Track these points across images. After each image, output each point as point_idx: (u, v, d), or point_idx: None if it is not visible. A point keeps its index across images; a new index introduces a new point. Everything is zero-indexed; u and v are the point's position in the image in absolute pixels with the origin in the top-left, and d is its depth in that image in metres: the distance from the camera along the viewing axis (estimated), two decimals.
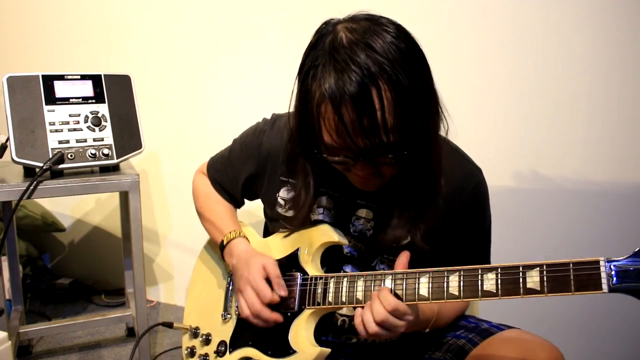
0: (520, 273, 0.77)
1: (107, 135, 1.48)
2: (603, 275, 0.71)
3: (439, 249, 1.00)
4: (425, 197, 0.90)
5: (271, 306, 0.96)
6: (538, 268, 0.76)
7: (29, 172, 1.47)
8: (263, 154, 1.08)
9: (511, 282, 0.77)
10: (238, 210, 1.25)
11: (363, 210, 1.01)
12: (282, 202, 1.07)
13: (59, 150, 1.40)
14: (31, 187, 1.37)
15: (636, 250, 0.71)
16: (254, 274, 0.99)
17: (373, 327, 0.83)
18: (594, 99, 1.48)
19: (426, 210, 0.91)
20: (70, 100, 1.45)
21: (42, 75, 1.43)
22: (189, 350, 1.15)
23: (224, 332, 1.09)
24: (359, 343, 1.07)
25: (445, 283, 0.82)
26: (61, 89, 1.45)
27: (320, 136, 0.83)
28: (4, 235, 1.53)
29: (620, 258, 0.71)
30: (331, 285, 0.94)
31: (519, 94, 1.56)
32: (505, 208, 1.59)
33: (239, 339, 1.05)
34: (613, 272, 0.70)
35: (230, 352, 1.06)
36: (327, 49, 0.80)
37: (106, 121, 1.48)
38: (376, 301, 0.84)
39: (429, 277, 0.84)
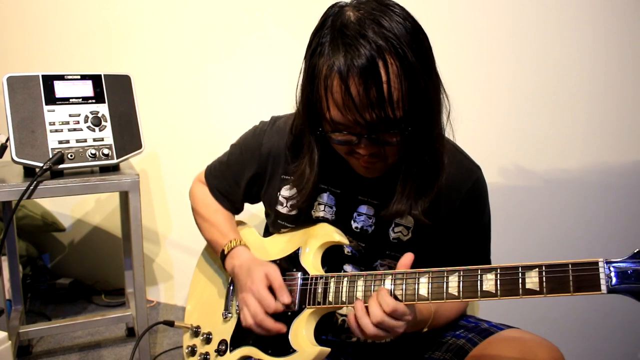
0: (520, 274, 0.77)
1: (107, 135, 1.48)
2: (602, 276, 0.71)
3: (439, 246, 1.00)
4: (428, 172, 0.90)
5: (274, 315, 0.96)
6: (537, 269, 0.76)
7: (29, 172, 1.47)
8: (264, 154, 1.08)
9: (510, 282, 0.77)
10: (240, 214, 1.25)
11: (365, 206, 1.01)
12: (283, 200, 1.07)
13: (59, 150, 1.40)
14: (31, 187, 1.37)
15: (635, 251, 0.71)
16: (256, 283, 0.98)
17: (370, 329, 0.83)
18: (595, 97, 1.49)
19: (429, 185, 0.91)
20: (70, 100, 1.45)
21: (42, 75, 1.43)
22: (189, 349, 1.15)
23: (225, 331, 1.09)
24: (358, 342, 1.07)
25: (444, 283, 0.82)
26: (61, 89, 1.45)
27: (326, 112, 0.83)
28: (4, 235, 1.53)
29: (619, 259, 0.71)
30: (331, 285, 0.94)
31: (520, 92, 1.56)
32: (505, 206, 1.59)
33: (239, 338, 1.05)
34: (612, 274, 0.70)
35: (230, 351, 1.06)
36: (336, 27, 0.81)
37: (106, 121, 1.48)
38: (374, 303, 0.84)
39: (429, 278, 0.84)
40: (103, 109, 1.49)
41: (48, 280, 2.20)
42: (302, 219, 1.05)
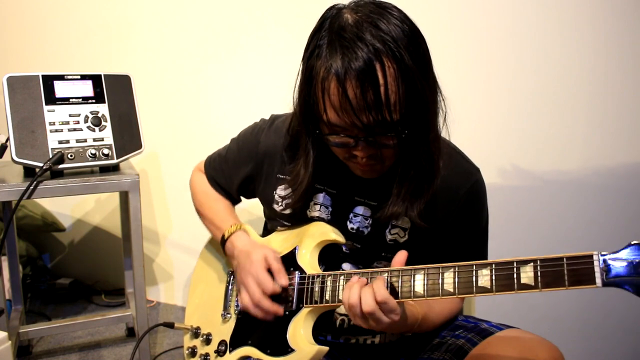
0: (515, 269, 0.77)
1: (107, 135, 1.48)
2: (597, 269, 0.70)
3: (436, 248, 1.00)
4: (424, 175, 0.90)
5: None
6: (532, 263, 0.76)
7: (29, 172, 1.47)
8: (260, 153, 1.09)
9: (505, 277, 0.77)
10: (237, 209, 1.25)
11: (361, 207, 1.01)
12: (279, 199, 1.07)
13: (59, 150, 1.40)
14: (31, 187, 1.37)
15: (629, 243, 0.71)
16: (255, 265, 0.99)
17: (357, 318, 0.84)
18: (595, 97, 1.48)
19: (424, 187, 0.91)
20: (70, 100, 1.46)
21: (42, 75, 1.43)
22: (190, 350, 1.15)
23: (224, 331, 1.09)
24: (358, 344, 1.07)
25: (440, 279, 0.83)
26: (61, 89, 1.45)
27: (323, 114, 0.83)
28: (4, 235, 1.53)
29: (614, 252, 0.71)
30: (328, 284, 0.94)
31: (520, 92, 1.56)
32: (505, 206, 1.59)
33: (238, 339, 1.05)
34: (606, 266, 0.70)
35: (230, 352, 1.06)
36: (334, 29, 0.81)
37: (106, 121, 1.48)
38: (368, 291, 0.84)
39: (424, 274, 0.84)
40: (103, 109, 1.49)
41: (48, 280, 2.20)
42: (298, 218, 1.06)
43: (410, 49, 0.79)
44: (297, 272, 1.00)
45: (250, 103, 1.94)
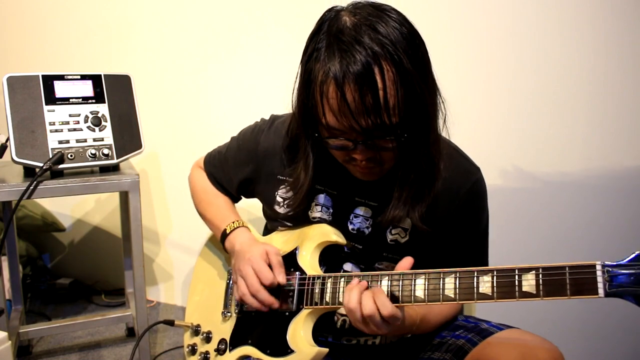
0: (516, 276, 0.76)
1: (107, 135, 1.48)
2: (599, 279, 0.70)
3: (437, 248, 1.00)
4: (424, 178, 0.90)
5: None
6: (534, 271, 0.75)
7: (29, 172, 1.47)
8: (260, 153, 1.08)
9: (507, 285, 0.77)
10: (238, 209, 1.25)
11: (362, 207, 1.01)
12: (280, 200, 1.07)
13: (59, 150, 1.40)
14: (31, 187, 1.37)
15: (633, 254, 0.70)
16: (255, 256, 0.99)
17: (358, 322, 0.84)
18: (595, 97, 1.48)
19: (425, 191, 0.91)
20: (70, 100, 1.45)
21: (42, 75, 1.43)
22: (190, 348, 1.15)
23: (224, 330, 1.09)
24: (358, 345, 1.07)
25: (441, 285, 0.82)
26: (61, 89, 1.45)
27: (322, 118, 0.83)
28: (4, 235, 1.53)
29: (617, 262, 0.70)
30: (328, 285, 0.94)
31: (520, 92, 1.56)
32: (505, 206, 1.59)
33: (238, 338, 1.05)
34: (609, 277, 0.70)
35: (230, 351, 1.06)
36: (332, 32, 0.81)
37: (106, 121, 1.48)
38: (368, 295, 0.83)
39: (425, 279, 0.84)
40: (103, 109, 1.49)
41: (48, 280, 2.20)
42: (300, 219, 1.06)
43: (409, 52, 0.79)
44: (297, 272, 1.00)
45: (250, 103, 1.94)
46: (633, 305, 0.70)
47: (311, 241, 1.02)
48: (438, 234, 0.98)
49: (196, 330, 1.16)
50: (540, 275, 0.75)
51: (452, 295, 0.81)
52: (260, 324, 1.02)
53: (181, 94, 2.05)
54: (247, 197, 1.21)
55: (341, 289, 0.92)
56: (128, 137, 1.52)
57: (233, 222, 1.11)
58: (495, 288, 0.78)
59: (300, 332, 0.95)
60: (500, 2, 1.54)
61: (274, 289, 0.98)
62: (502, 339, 0.96)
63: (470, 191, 0.99)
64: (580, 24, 1.47)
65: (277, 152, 1.06)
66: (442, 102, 0.89)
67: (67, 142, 1.42)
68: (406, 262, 0.88)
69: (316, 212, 1.04)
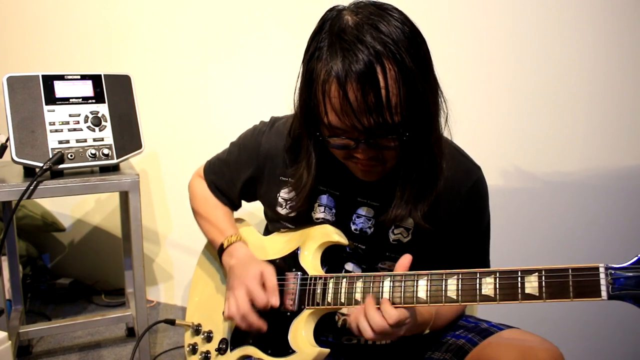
0: (519, 278, 0.76)
1: (107, 135, 1.48)
2: (602, 282, 0.70)
3: (439, 247, 1.00)
4: (426, 177, 0.90)
5: (274, 315, 0.96)
6: (537, 273, 0.75)
7: (29, 172, 1.47)
8: (262, 155, 1.08)
9: (509, 287, 0.77)
10: (239, 210, 1.25)
11: (364, 208, 1.01)
12: (282, 202, 1.07)
13: (59, 150, 1.40)
14: (31, 187, 1.37)
15: (636, 257, 0.70)
16: (250, 277, 0.99)
17: (369, 335, 0.84)
18: (595, 97, 1.48)
19: (427, 190, 0.91)
20: (70, 100, 1.45)
21: (42, 75, 1.43)
22: (190, 347, 1.15)
23: (225, 330, 1.09)
24: (359, 344, 1.07)
25: (443, 286, 0.82)
26: (61, 89, 1.45)
27: (324, 117, 0.83)
28: (4, 235, 1.53)
29: (620, 265, 0.70)
30: (330, 286, 0.94)
31: (520, 92, 1.56)
32: (505, 206, 1.59)
33: (239, 337, 1.05)
34: (612, 280, 0.69)
35: (231, 350, 1.06)
36: (334, 31, 0.81)
37: (106, 121, 1.48)
38: (376, 313, 0.84)
39: (428, 280, 0.84)
40: (103, 109, 1.49)
41: (48, 280, 2.20)
42: (302, 220, 1.05)
43: (411, 50, 0.79)
44: (299, 272, 1.00)
45: (250, 103, 1.94)
46: (633, 306, 0.70)
47: (313, 241, 1.02)
48: (440, 233, 0.98)
49: (197, 330, 1.16)
50: (543, 278, 0.74)
51: (455, 297, 0.81)
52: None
53: (181, 94, 2.04)
54: (249, 200, 1.20)
55: (343, 289, 0.92)
56: (128, 137, 1.52)
57: (230, 237, 1.11)
58: (497, 290, 0.78)
59: (301, 332, 0.95)
60: (500, 2, 1.54)
61: (267, 311, 0.97)
62: (502, 339, 0.96)
63: (471, 190, 0.99)
64: (580, 24, 1.47)
65: (279, 153, 1.06)
66: (444, 101, 0.89)
67: (67, 142, 1.42)
68: (405, 261, 0.88)
69: (319, 213, 1.04)
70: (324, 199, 1.03)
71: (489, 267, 1.06)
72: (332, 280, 0.95)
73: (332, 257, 1.04)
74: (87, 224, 2.32)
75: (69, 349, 1.83)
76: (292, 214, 1.05)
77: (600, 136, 1.49)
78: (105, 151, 1.46)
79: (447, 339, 1.04)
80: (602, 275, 0.70)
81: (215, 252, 1.24)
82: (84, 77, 1.48)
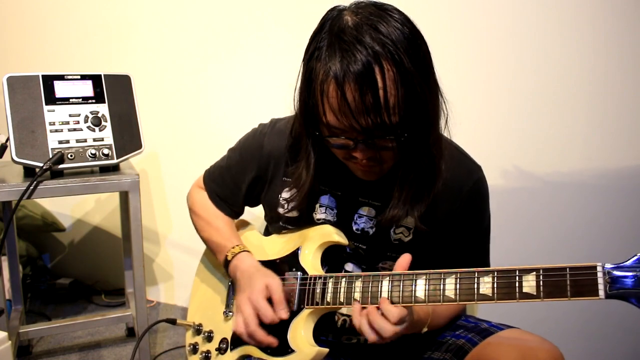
0: (517, 277, 0.76)
1: (107, 135, 1.48)
2: (600, 281, 0.70)
3: (440, 246, 1.00)
4: (425, 178, 0.90)
5: (268, 327, 0.96)
6: (534, 272, 0.75)
7: (29, 172, 1.47)
8: (265, 156, 1.08)
9: (507, 286, 0.77)
10: (239, 218, 1.24)
11: (365, 208, 1.01)
12: (284, 202, 1.07)
13: (59, 150, 1.40)
14: (31, 187, 1.37)
15: (635, 256, 0.70)
16: (256, 293, 0.98)
17: (371, 337, 0.84)
18: (595, 97, 1.48)
19: (425, 191, 0.91)
20: (70, 100, 1.45)
21: (42, 75, 1.43)
22: (191, 346, 1.15)
23: (226, 329, 1.09)
24: (358, 344, 1.07)
25: (441, 286, 0.82)
26: (61, 89, 1.45)
27: (322, 116, 0.83)
28: (4, 235, 1.53)
29: (618, 264, 0.70)
30: (330, 286, 0.94)
31: (520, 92, 1.56)
32: (505, 206, 1.59)
33: (239, 337, 1.05)
34: (610, 279, 0.69)
35: (231, 350, 1.06)
36: (333, 31, 0.81)
37: (106, 121, 1.48)
38: (379, 318, 0.84)
39: (426, 279, 0.84)
40: (103, 109, 1.49)
41: (48, 280, 2.20)
42: (303, 221, 1.05)
43: (410, 51, 0.79)
44: (299, 272, 1.00)
45: (250, 103, 1.94)
46: (633, 306, 0.70)
47: (313, 241, 1.02)
48: (440, 233, 0.98)
49: (198, 330, 1.16)
50: (541, 277, 0.74)
51: (453, 296, 0.81)
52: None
53: (181, 94, 2.05)
54: (252, 205, 1.18)
55: (342, 289, 0.92)
56: (128, 137, 1.52)
57: (234, 247, 1.09)
58: (495, 289, 0.78)
59: (301, 331, 0.95)
60: (500, 2, 1.54)
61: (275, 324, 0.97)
62: (502, 339, 0.96)
63: (472, 190, 0.99)
64: (580, 24, 1.47)
65: (282, 154, 1.06)
66: (445, 102, 0.89)
67: (67, 142, 1.42)
68: (404, 260, 0.88)
69: (320, 214, 1.04)
70: (325, 199, 1.03)
71: (489, 266, 1.06)
72: (331, 280, 0.95)
73: (332, 257, 1.04)
74: (87, 224, 2.32)
75: (69, 349, 1.83)
76: (294, 214, 1.05)
77: (600, 136, 1.49)
78: (105, 151, 1.46)
79: (447, 339, 1.04)
80: (599, 275, 0.70)
81: (217, 260, 1.23)
82: (84, 77, 1.48)
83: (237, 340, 1.06)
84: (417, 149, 0.86)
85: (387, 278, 0.87)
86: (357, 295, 0.90)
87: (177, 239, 2.18)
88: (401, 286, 0.86)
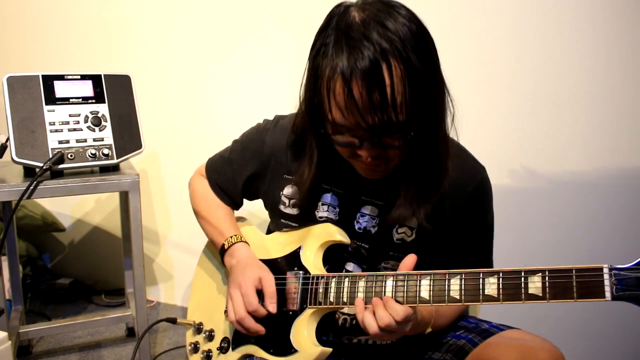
0: (522, 278, 0.76)
1: (107, 135, 1.48)
2: (606, 282, 0.69)
3: (443, 246, 1.00)
4: (431, 177, 0.90)
5: (271, 326, 0.96)
6: (540, 273, 0.75)
7: (29, 172, 1.46)
8: (266, 153, 1.08)
9: (513, 287, 0.77)
10: (240, 210, 1.25)
11: (368, 206, 1.01)
12: (285, 200, 1.07)
13: (59, 150, 1.40)
14: (31, 187, 1.37)
15: None
16: (246, 280, 0.99)
17: (375, 332, 0.83)
18: (595, 97, 1.48)
19: (432, 190, 0.90)
20: (70, 100, 1.45)
21: (42, 75, 1.43)
22: (192, 346, 1.15)
23: (227, 329, 1.09)
24: (360, 344, 1.07)
25: (446, 286, 0.82)
26: (61, 89, 1.44)
27: (328, 114, 0.82)
28: (4, 235, 1.53)
29: (625, 265, 0.69)
30: (332, 285, 0.94)
31: (520, 92, 1.56)
32: (505, 206, 1.58)
33: (241, 336, 1.05)
34: (616, 280, 0.69)
35: (232, 349, 1.06)
36: (340, 28, 0.80)
37: (106, 121, 1.48)
38: (382, 311, 0.83)
39: (430, 280, 0.84)
40: (103, 109, 1.49)
41: (48, 280, 2.20)
42: (305, 218, 1.05)
43: (418, 49, 0.78)
44: (301, 271, 1.00)
45: (251, 103, 1.94)
46: (634, 305, 0.70)
47: (315, 240, 1.02)
48: (444, 233, 0.98)
49: (198, 329, 1.16)
50: (547, 278, 0.74)
51: (458, 297, 0.81)
52: (262, 323, 1.02)
53: (181, 94, 2.04)
54: (250, 199, 1.19)
55: (345, 289, 0.92)
56: (128, 137, 1.52)
57: (231, 237, 1.10)
58: (501, 290, 0.78)
59: (304, 331, 0.95)
60: (500, 2, 1.54)
61: (267, 317, 0.97)
62: (503, 340, 0.96)
63: (476, 190, 0.99)
64: (580, 24, 1.47)
65: (283, 151, 1.06)
66: (451, 100, 0.88)
67: (67, 142, 1.42)
68: (409, 260, 0.88)
69: (322, 212, 1.04)
70: (328, 197, 1.03)
71: (492, 266, 1.06)
72: (334, 279, 0.94)
73: (333, 257, 1.04)
74: (87, 224, 2.32)
75: (69, 349, 1.83)
76: (295, 212, 1.05)
77: (600, 136, 1.49)
78: (105, 151, 1.46)
79: (448, 339, 1.04)
80: (605, 276, 0.70)
81: (215, 249, 1.24)
82: (84, 77, 1.48)
83: (238, 340, 1.06)
84: (423, 147, 0.85)
85: (391, 278, 0.87)
86: (361, 296, 0.90)
87: (177, 239, 2.18)
88: (405, 286, 0.85)
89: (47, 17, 2.17)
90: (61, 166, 1.41)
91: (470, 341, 0.99)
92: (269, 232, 1.20)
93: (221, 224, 1.15)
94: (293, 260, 1.02)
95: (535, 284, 0.75)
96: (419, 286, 0.84)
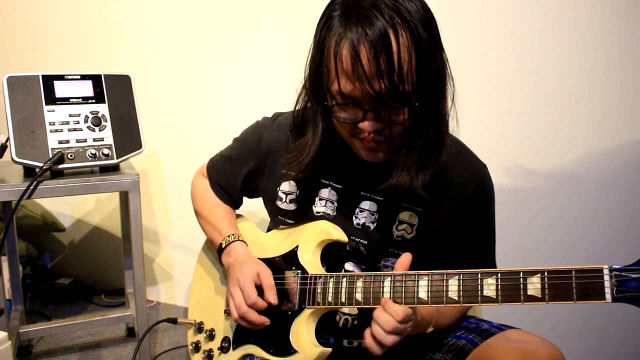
0: (521, 279, 0.76)
1: (107, 135, 1.48)
2: (606, 284, 0.68)
3: (444, 244, 1.00)
4: (430, 146, 0.89)
5: (271, 326, 0.96)
6: (539, 274, 0.74)
7: (29, 172, 1.46)
8: (264, 148, 1.08)
9: (511, 288, 0.76)
10: (240, 209, 1.25)
11: (367, 202, 1.01)
12: (282, 195, 1.07)
13: (59, 150, 1.40)
14: (31, 187, 1.37)
15: None
16: (244, 275, 0.99)
17: (387, 340, 0.83)
18: (595, 97, 1.48)
19: (430, 158, 0.89)
20: (70, 100, 1.45)
21: (42, 75, 1.43)
22: (193, 345, 1.15)
23: (228, 328, 1.09)
24: (360, 347, 1.07)
25: (444, 287, 0.82)
26: (61, 89, 1.45)
27: (335, 81, 0.82)
28: (4, 235, 1.53)
29: (625, 266, 0.68)
30: (330, 285, 0.94)
31: (520, 92, 1.56)
32: (505, 206, 1.58)
33: (242, 336, 1.05)
34: (617, 281, 0.68)
35: (233, 349, 1.06)
36: (348, 0, 0.82)
37: (106, 121, 1.48)
38: (383, 315, 0.83)
39: (428, 280, 0.84)
40: (103, 109, 1.49)
41: (48, 280, 2.20)
42: (302, 214, 1.05)
43: (424, 21, 0.81)
44: (299, 271, 1.00)
45: (251, 103, 1.94)
46: (635, 307, 0.69)
47: (312, 239, 1.01)
48: (445, 230, 0.98)
49: (199, 328, 1.16)
50: (546, 279, 0.73)
51: (456, 298, 0.81)
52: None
53: (181, 94, 2.04)
54: (250, 197, 1.20)
55: (343, 289, 0.92)
56: (128, 137, 1.52)
57: (229, 236, 1.11)
58: (499, 291, 0.77)
59: (303, 332, 0.95)
60: (500, 2, 1.54)
61: (268, 309, 0.97)
62: (503, 340, 0.96)
63: (477, 187, 0.99)
64: (580, 24, 1.47)
65: (281, 147, 1.06)
66: (452, 78, 0.89)
67: (67, 142, 1.42)
68: (405, 259, 0.88)
69: (320, 207, 1.04)
70: (326, 192, 1.03)
71: (494, 265, 1.06)
72: (332, 279, 0.94)
73: (331, 255, 1.03)
74: (87, 224, 2.32)
75: (69, 349, 1.83)
76: (292, 207, 1.05)
77: (600, 136, 1.49)
78: (105, 151, 1.46)
79: (448, 340, 1.04)
80: (606, 277, 0.69)
81: (213, 247, 1.24)
82: (84, 77, 1.48)
83: (239, 339, 1.06)
84: (426, 117, 0.85)
85: (389, 278, 0.87)
86: (359, 296, 0.90)
87: (177, 239, 2.18)
88: (403, 286, 0.85)
89: (47, 17, 2.17)
90: (61, 166, 1.41)
91: (471, 341, 0.99)
92: (268, 231, 1.20)
93: (220, 223, 1.16)
94: (290, 259, 1.02)
95: (534, 285, 0.74)
96: (417, 287, 0.84)
